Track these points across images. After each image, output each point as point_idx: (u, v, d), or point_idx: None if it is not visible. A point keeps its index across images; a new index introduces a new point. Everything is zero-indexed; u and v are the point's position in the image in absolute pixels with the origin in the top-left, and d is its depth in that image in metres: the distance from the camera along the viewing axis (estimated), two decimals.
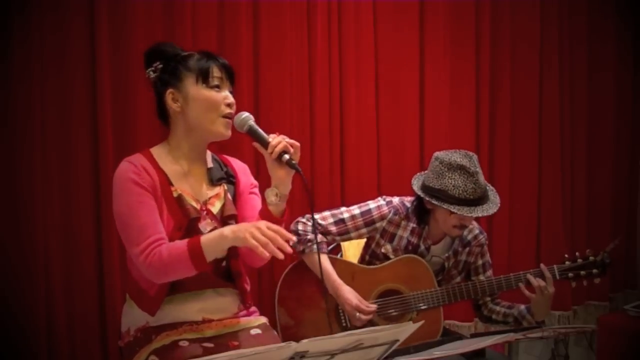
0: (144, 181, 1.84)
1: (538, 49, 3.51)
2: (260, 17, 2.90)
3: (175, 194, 1.88)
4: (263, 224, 1.70)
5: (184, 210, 1.86)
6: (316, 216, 2.44)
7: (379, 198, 2.49)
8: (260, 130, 1.84)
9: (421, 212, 2.43)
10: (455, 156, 2.32)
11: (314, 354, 1.33)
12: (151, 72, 1.93)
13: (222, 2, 2.81)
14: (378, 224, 2.44)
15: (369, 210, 2.45)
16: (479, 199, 2.31)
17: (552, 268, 2.39)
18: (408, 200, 2.49)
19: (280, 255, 1.66)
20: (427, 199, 2.33)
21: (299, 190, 2.78)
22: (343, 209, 2.48)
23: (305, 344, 1.29)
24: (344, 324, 2.42)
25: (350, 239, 2.49)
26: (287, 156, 1.79)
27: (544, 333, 2.07)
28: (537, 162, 3.55)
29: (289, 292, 2.45)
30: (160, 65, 1.92)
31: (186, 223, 1.86)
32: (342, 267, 2.45)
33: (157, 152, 1.93)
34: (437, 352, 1.89)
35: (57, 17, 2.49)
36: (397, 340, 1.47)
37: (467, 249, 2.51)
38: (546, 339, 2.42)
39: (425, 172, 2.44)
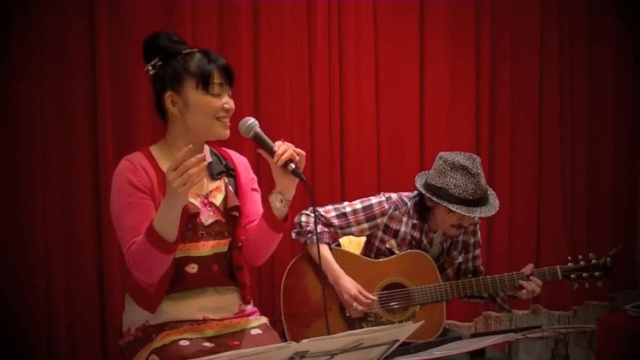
0: (140, 181, 1.83)
1: (538, 48, 3.51)
2: (260, 17, 2.89)
3: None
4: (170, 176, 1.62)
5: (183, 208, 1.86)
6: (319, 209, 2.49)
7: (380, 194, 2.53)
8: (266, 137, 1.84)
9: (422, 208, 2.48)
10: (459, 157, 2.38)
11: (314, 353, 1.33)
12: (150, 68, 1.90)
13: (222, 2, 2.81)
14: (379, 220, 2.47)
15: (371, 206, 2.48)
16: (479, 201, 2.36)
17: (554, 268, 2.43)
18: (406, 195, 2.52)
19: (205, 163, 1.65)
20: (428, 195, 2.38)
21: (301, 192, 2.77)
22: (345, 203, 2.52)
23: (306, 344, 1.29)
24: (348, 314, 2.43)
25: (351, 233, 2.52)
26: (292, 165, 1.80)
27: (544, 333, 2.08)
28: (537, 162, 3.55)
29: (294, 282, 2.46)
30: (160, 63, 1.89)
31: (186, 219, 1.86)
32: (348, 259, 2.47)
33: (156, 151, 1.93)
34: (437, 352, 1.89)
35: (57, 17, 2.49)
36: (397, 340, 1.47)
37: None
38: (546, 339, 2.42)
39: (429, 171, 2.49)
